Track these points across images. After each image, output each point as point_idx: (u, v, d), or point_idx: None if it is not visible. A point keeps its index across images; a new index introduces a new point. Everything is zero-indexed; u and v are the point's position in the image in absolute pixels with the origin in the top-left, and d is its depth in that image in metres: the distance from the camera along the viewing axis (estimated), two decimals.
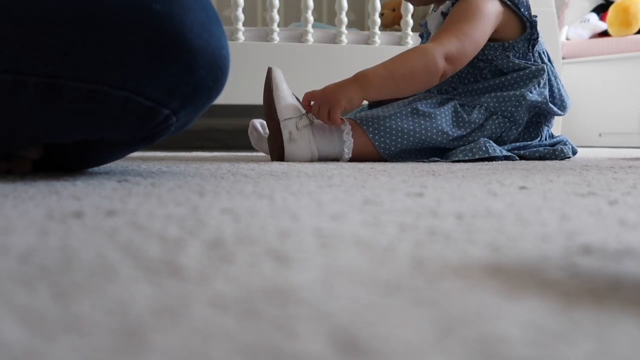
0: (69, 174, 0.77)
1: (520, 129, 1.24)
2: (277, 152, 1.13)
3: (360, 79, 1.11)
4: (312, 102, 1.13)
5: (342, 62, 1.91)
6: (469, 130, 1.19)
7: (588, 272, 0.28)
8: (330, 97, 1.09)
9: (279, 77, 1.16)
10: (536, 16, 1.26)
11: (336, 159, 1.15)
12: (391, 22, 2.59)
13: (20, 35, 0.61)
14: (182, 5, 0.64)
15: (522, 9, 1.24)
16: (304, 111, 1.13)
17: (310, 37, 1.92)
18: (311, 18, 1.92)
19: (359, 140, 1.13)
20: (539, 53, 1.28)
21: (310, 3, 1.92)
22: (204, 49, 0.65)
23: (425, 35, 1.38)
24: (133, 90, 0.64)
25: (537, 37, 1.26)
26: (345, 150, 1.13)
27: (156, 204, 0.49)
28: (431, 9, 1.40)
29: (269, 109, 1.15)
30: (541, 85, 1.25)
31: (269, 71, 1.18)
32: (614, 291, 0.25)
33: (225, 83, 0.70)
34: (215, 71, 0.67)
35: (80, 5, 0.62)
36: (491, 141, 1.19)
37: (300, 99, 1.16)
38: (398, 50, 1.97)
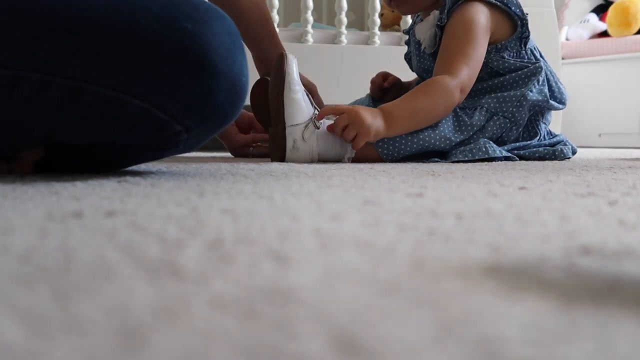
0: (68, 174, 0.77)
1: (520, 129, 1.24)
2: (278, 156, 1.13)
3: (387, 116, 1.12)
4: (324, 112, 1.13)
5: (342, 62, 1.91)
6: (471, 133, 1.19)
7: (588, 273, 0.28)
8: (363, 124, 1.09)
9: (292, 70, 1.14)
10: (527, 13, 1.27)
11: (335, 160, 1.15)
12: (391, 22, 2.59)
13: (56, 39, 0.64)
14: (212, 29, 0.66)
15: (512, 8, 1.24)
16: (312, 113, 1.13)
17: (310, 38, 1.92)
18: (311, 18, 1.92)
19: (362, 145, 1.14)
20: (531, 50, 1.29)
21: (310, 3, 1.92)
22: (226, 74, 0.67)
23: (413, 44, 1.37)
24: (153, 102, 0.66)
25: (528, 35, 1.26)
26: (348, 154, 1.14)
27: (156, 204, 0.49)
28: (417, 17, 1.39)
29: (276, 107, 1.14)
30: (540, 83, 1.25)
31: (281, 59, 1.15)
32: (614, 291, 0.25)
33: (240, 109, 0.73)
34: (233, 96, 0.69)
35: (117, 17, 0.65)
36: (491, 142, 1.19)
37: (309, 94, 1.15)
38: (398, 50, 1.97)
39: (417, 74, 1.40)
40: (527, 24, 1.26)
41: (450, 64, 1.18)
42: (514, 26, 1.26)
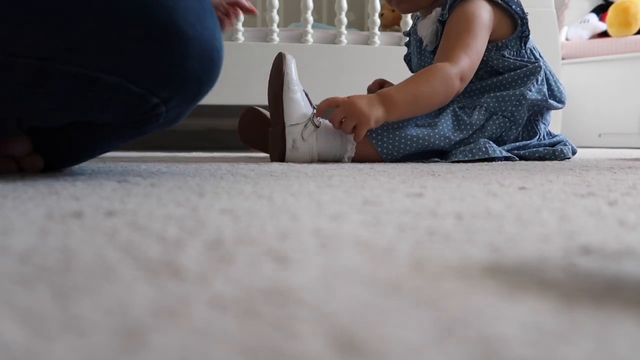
0: (68, 174, 0.77)
1: (519, 129, 1.25)
2: (278, 156, 1.13)
3: (386, 100, 1.10)
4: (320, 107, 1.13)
5: (341, 62, 1.91)
6: (470, 132, 1.19)
7: (588, 273, 0.28)
8: (360, 113, 1.07)
9: (291, 69, 1.14)
10: (527, 13, 1.27)
11: (335, 160, 1.15)
12: (391, 22, 2.58)
13: (14, 16, 0.61)
14: None
15: (513, 6, 1.25)
16: (310, 112, 1.13)
17: (310, 38, 1.92)
18: (311, 18, 1.92)
19: (362, 145, 1.14)
20: (531, 50, 1.29)
21: (310, 3, 1.92)
22: (196, 39, 0.65)
23: (414, 43, 1.37)
24: (124, 76, 0.64)
25: (528, 34, 1.27)
26: (348, 153, 1.13)
27: (156, 205, 0.49)
28: (417, 18, 1.39)
29: (275, 107, 1.14)
30: (539, 82, 1.25)
31: (280, 59, 1.15)
32: (614, 291, 0.25)
33: (217, 75, 0.70)
34: (206, 62, 0.67)
35: None
36: (491, 142, 1.19)
37: (308, 94, 1.15)
38: (397, 50, 1.97)
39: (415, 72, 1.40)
40: (527, 23, 1.26)
41: (450, 52, 1.18)
42: (514, 25, 1.26)
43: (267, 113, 1.22)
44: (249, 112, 1.35)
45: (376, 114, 1.09)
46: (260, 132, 1.26)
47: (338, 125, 1.09)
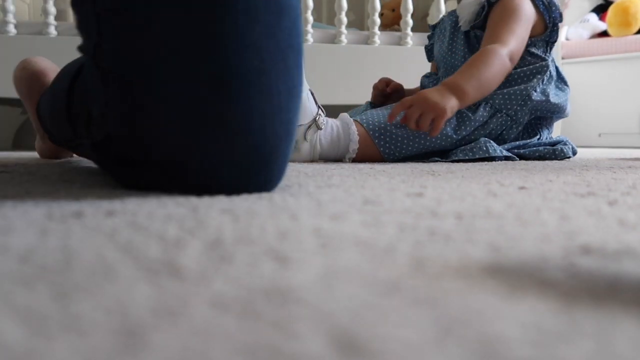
0: (68, 174, 0.76)
1: (520, 128, 1.25)
2: None
3: (456, 90, 1.11)
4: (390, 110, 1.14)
5: (341, 62, 1.91)
6: (472, 129, 1.20)
7: (588, 273, 0.28)
8: (435, 106, 1.07)
9: None
10: (562, 21, 1.31)
11: (336, 160, 1.16)
12: (391, 22, 2.59)
13: None
14: None
15: (552, 10, 1.28)
16: (315, 112, 1.13)
17: (309, 37, 1.92)
18: (311, 18, 1.92)
19: (364, 145, 1.14)
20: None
21: (310, 3, 1.92)
22: None
23: (444, 28, 1.38)
24: None
25: (555, 41, 1.30)
26: (349, 154, 1.14)
27: (156, 204, 0.49)
28: (438, 20, 1.43)
29: None
30: (543, 83, 1.26)
31: None
32: (614, 291, 0.25)
33: None
34: None
35: None
36: (491, 141, 1.19)
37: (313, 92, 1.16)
38: (397, 50, 1.97)
39: (436, 59, 1.41)
40: (557, 30, 1.30)
41: (499, 35, 1.22)
42: (544, 28, 1.29)
43: None
44: None
45: (450, 103, 1.09)
46: None
47: (414, 125, 1.08)
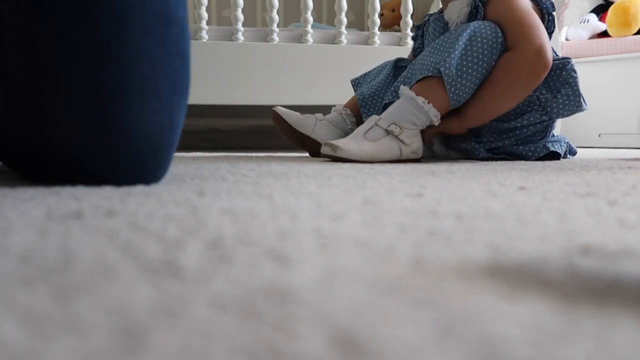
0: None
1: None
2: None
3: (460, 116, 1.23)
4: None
5: (342, 62, 1.91)
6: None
7: (588, 273, 0.28)
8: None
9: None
10: (555, 10, 1.30)
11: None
12: (391, 22, 2.59)
13: None
14: None
15: (544, 3, 1.27)
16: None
17: (309, 38, 1.92)
18: (311, 18, 1.92)
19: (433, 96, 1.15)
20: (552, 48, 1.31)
21: (310, 3, 1.92)
22: None
23: (435, 30, 1.37)
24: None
25: (553, 31, 1.29)
26: (433, 117, 1.14)
27: (156, 204, 0.49)
28: (426, 18, 1.41)
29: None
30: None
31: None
32: (614, 291, 0.25)
33: None
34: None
35: None
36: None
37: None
38: (397, 50, 1.97)
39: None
40: (553, 19, 1.28)
41: (522, 36, 1.20)
42: (542, 19, 1.28)
43: (287, 113, 1.35)
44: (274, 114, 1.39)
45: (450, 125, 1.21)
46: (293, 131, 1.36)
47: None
